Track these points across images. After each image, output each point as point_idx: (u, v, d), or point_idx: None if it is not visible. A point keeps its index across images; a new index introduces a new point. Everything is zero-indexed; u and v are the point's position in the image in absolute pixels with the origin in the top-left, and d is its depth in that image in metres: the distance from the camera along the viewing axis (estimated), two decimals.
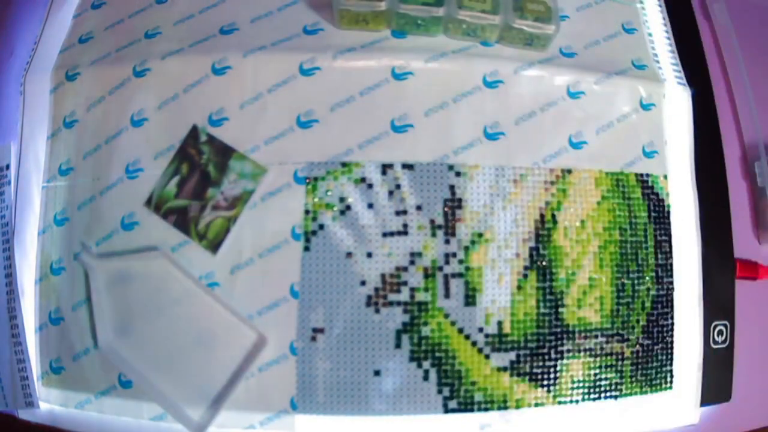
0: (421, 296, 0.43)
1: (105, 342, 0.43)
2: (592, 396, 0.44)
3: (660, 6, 0.52)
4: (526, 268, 0.44)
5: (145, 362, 0.43)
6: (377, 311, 0.42)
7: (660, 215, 0.47)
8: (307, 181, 0.44)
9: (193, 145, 0.45)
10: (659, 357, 0.46)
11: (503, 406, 0.43)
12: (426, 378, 0.42)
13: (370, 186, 0.44)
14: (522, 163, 0.45)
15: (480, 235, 0.44)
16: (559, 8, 0.47)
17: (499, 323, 0.43)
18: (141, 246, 0.44)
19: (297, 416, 0.42)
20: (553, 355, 0.43)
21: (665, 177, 0.47)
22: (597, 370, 0.44)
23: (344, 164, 0.44)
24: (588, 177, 0.46)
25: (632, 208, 0.46)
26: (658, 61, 0.50)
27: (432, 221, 0.44)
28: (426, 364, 0.42)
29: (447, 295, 0.43)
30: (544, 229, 0.45)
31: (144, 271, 0.43)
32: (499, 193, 0.44)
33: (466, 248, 0.44)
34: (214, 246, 0.43)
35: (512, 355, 0.43)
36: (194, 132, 0.45)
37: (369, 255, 0.43)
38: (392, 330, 0.42)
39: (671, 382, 0.46)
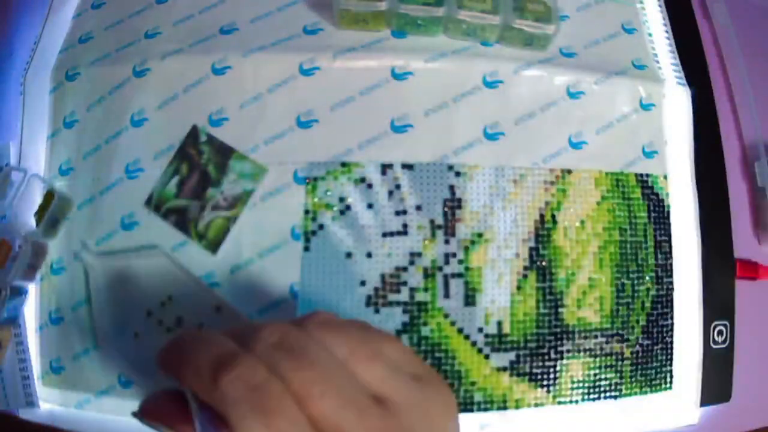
0: (420, 296, 0.43)
1: (105, 342, 0.43)
2: (591, 396, 0.44)
3: (660, 6, 0.52)
4: (525, 268, 0.44)
5: (147, 361, 0.43)
6: (377, 311, 0.42)
7: (660, 215, 0.47)
8: (307, 181, 0.44)
9: (193, 145, 0.45)
10: (659, 357, 0.46)
11: (503, 406, 0.43)
12: None
13: (370, 186, 0.44)
14: (522, 163, 0.45)
15: (480, 235, 0.44)
16: (559, 8, 0.47)
17: (499, 323, 0.43)
18: (141, 245, 0.44)
19: None
20: (552, 355, 0.43)
21: (665, 177, 0.47)
22: (597, 370, 0.44)
23: (344, 164, 0.44)
24: (588, 177, 0.46)
25: (632, 209, 0.46)
26: (658, 61, 0.50)
27: (432, 221, 0.44)
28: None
29: (447, 295, 0.43)
30: (543, 229, 0.45)
31: (144, 269, 0.44)
32: (498, 193, 0.44)
33: (466, 248, 0.44)
34: (214, 246, 0.43)
35: (512, 355, 0.43)
36: (194, 132, 0.45)
37: (369, 255, 0.43)
38: (392, 330, 0.42)
39: (671, 382, 0.46)
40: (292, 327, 0.22)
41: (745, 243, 0.50)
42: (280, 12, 0.47)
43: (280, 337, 0.21)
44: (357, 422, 0.19)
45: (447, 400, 0.23)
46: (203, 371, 0.21)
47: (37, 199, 0.46)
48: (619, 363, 0.45)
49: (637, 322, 0.45)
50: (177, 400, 0.22)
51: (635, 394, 0.45)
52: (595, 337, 0.44)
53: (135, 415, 0.23)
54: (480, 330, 0.43)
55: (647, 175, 0.47)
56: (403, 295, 0.43)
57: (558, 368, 0.44)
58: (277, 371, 0.20)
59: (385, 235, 0.43)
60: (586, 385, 0.44)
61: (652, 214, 0.47)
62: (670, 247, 0.47)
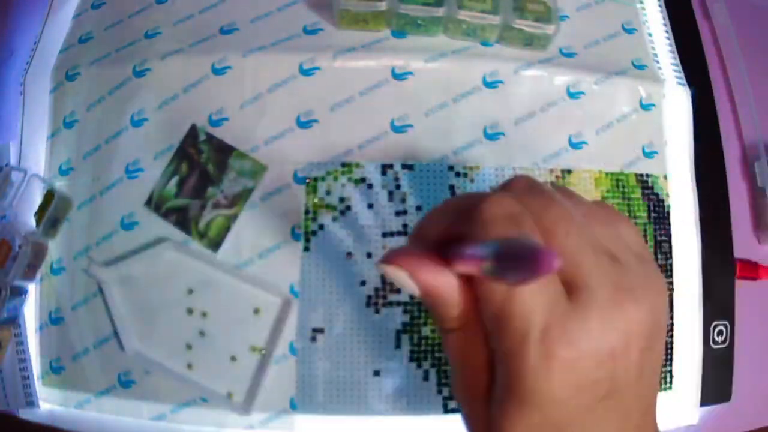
0: None
1: (132, 350, 0.43)
2: None
3: (660, 6, 0.52)
4: None
5: (175, 358, 0.43)
6: (377, 311, 0.42)
7: (660, 215, 0.47)
8: (307, 181, 0.44)
9: (192, 144, 0.45)
10: None
11: None
12: (426, 378, 0.42)
13: (370, 186, 0.44)
14: (522, 163, 0.45)
15: None
16: (559, 8, 0.47)
17: None
18: (146, 243, 0.44)
19: (297, 416, 0.42)
20: None
21: (665, 177, 0.47)
22: None
23: (344, 164, 0.44)
24: (588, 177, 0.46)
25: (632, 209, 0.46)
26: (658, 61, 0.50)
27: None
28: (426, 364, 0.42)
29: None
30: None
31: (153, 267, 0.43)
32: None
33: None
34: (215, 245, 0.43)
35: None
36: (193, 131, 0.45)
37: (369, 255, 0.43)
38: (392, 330, 0.42)
39: (671, 382, 0.46)
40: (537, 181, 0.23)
41: (745, 243, 0.49)
42: (280, 12, 0.47)
43: (530, 184, 0.23)
44: (593, 263, 0.20)
45: (663, 286, 0.23)
46: (462, 209, 0.22)
47: (37, 199, 0.46)
48: None
49: None
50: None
51: None
52: None
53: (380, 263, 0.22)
54: None
55: (647, 175, 0.47)
56: (404, 295, 0.43)
57: None
58: (529, 208, 0.21)
59: (385, 235, 0.43)
60: None
61: (652, 214, 0.47)
62: (670, 247, 0.47)
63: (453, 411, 0.42)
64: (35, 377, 0.45)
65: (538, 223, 0.20)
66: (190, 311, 0.43)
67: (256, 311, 0.43)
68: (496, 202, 0.21)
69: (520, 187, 0.23)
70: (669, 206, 0.47)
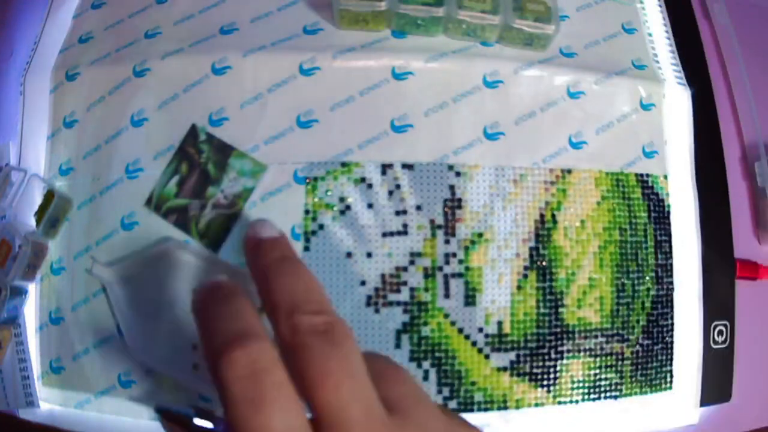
0: (421, 296, 0.43)
1: (137, 352, 0.42)
2: (592, 396, 0.44)
3: (660, 6, 0.52)
4: (526, 268, 0.44)
5: (181, 359, 0.42)
6: (377, 311, 0.42)
7: (660, 215, 0.47)
8: (307, 181, 0.44)
9: (192, 144, 0.45)
10: (659, 357, 0.46)
11: (503, 406, 0.43)
12: (426, 378, 0.42)
13: (370, 186, 0.44)
14: (522, 163, 0.45)
15: (480, 235, 0.44)
16: (559, 8, 0.47)
17: (499, 323, 0.43)
18: (151, 242, 0.44)
19: None
20: (553, 355, 0.43)
21: (665, 177, 0.47)
22: (597, 371, 0.44)
23: (344, 164, 0.44)
24: (588, 177, 0.46)
25: (632, 208, 0.46)
26: (658, 61, 0.50)
27: (432, 221, 0.44)
28: (426, 364, 0.42)
29: (447, 295, 0.43)
30: (544, 229, 0.45)
31: (157, 266, 0.43)
32: (499, 193, 0.44)
33: (466, 248, 0.44)
34: (215, 245, 0.43)
35: (512, 355, 0.43)
36: (193, 131, 0.45)
37: (369, 255, 0.43)
38: (392, 330, 0.42)
39: (671, 382, 0.46)
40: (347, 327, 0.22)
41: (745, 243, 0.50)
42: (280, 12, 0.47)
43: (327, 327, 0.21)
44: (361, 420, 0.19)
45: None
46: (213, 343, 0.21)
47: (37, 199, 0.46)
48: (619, 363, 0.45)
49: (637, 322, 0.45)
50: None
51: (635, 394, 0.45)
52: (595, 337, 0.44)
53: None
54: (480, 330, 0.43)
55: (647, 175, 0.47)
56: (404, 295, 0.43)
57: (558, 368, 0.44)
58: (307, 352, 0.20)
59: (385, 235, 0.43)
60: (586, 385, 0.44)
61: (652, 214, 0.47)
62: (670, 247, 0.47)
63: (452, 411, 0.42)
64: (35, 377, 0.45)
65: (307, 371, 0.19)
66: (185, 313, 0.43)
67: (261, 310, 0.42)
68: (242, 355, 0.19)
69: (312, 324, 0.21)
70: (669, 206, 0.47)
